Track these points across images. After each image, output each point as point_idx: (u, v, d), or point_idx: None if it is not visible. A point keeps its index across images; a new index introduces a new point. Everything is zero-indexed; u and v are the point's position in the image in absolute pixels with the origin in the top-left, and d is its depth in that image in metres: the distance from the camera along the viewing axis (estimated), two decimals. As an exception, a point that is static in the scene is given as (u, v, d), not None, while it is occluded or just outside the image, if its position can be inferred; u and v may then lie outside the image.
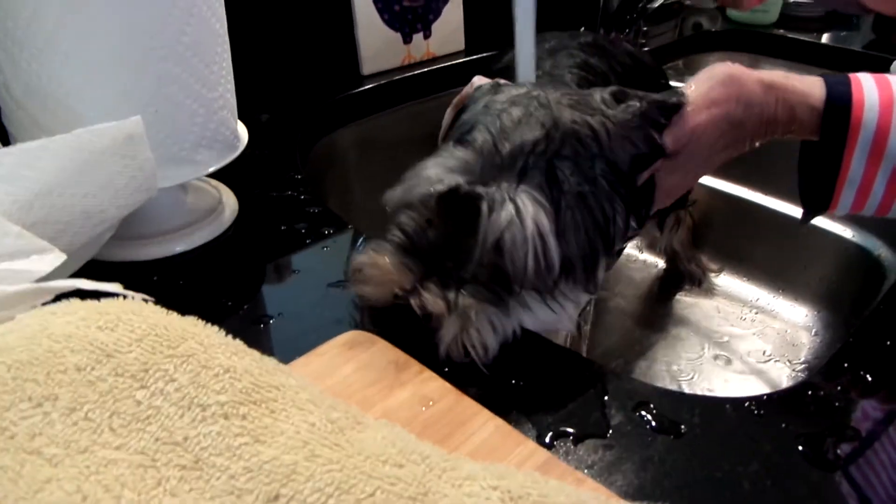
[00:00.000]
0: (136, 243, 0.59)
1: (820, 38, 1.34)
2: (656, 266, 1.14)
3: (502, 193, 0.45)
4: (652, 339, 1.06)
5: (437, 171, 0.46)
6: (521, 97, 0.50)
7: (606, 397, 0.47)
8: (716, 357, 0.99)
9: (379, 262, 0.47)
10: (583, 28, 1.28)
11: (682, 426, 0.45)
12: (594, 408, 0.46)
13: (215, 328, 0.33)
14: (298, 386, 0.31)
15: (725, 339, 1.02)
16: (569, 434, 0.44)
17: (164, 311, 0.34)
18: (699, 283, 1.13)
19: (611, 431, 0.44)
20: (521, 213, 0.44)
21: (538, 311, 0.48)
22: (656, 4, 1.23)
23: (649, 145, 0.52)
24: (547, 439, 0.43)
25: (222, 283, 0.58)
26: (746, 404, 0.47)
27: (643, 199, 0.55)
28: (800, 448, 0.43)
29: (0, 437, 0.26)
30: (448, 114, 0.58)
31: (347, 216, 0.68)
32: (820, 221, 1.07)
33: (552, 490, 0.28)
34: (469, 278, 0.46)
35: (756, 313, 1.07)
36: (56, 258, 0.39)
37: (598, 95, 0.52)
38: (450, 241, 0.47)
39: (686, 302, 1.11)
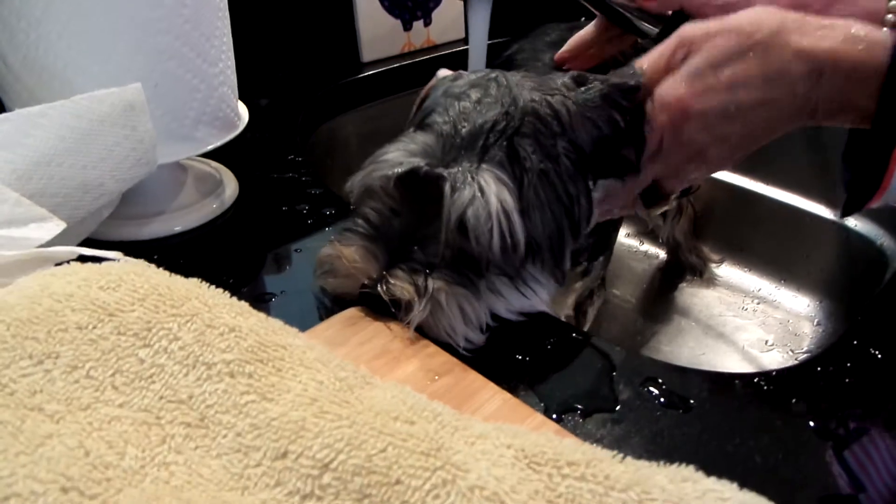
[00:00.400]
0: (136, 222, 0.58)
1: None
2: (657, 257, 1.14)
3: (464, 173, 0.44)
4: (654, 329, 1.05)
5: (397, 155, 0.46)
6: (481, 80, 0.50)
7: (614, 373, 0.47)
8: (718, 347, 0.98)
9: (344, 253, 0.47)
10: (584, 18, 1.28)
11: (691, 401, 0.44)
12: (601, 383, 0.46)
13: (219, 290, 0.32)
14: (305, 346, 0.30)
15: (727, 329, 1.01)
16: (576, 408, 0.43)
17: (166, 273, 0.33)
18: (700, 274, 1.12)
19: (619, 406, 0.44)
20: (483, 190, 0.44)
21: (509, 297, 0.47)
22: None
23: (612, 128, 0.50)
24: (555, 414, 0.43)
25: (223, 262, 0.57)
26: (756, 380, 0.47)
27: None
28: (811, 423, 0.43)
29: (0, 394, 0.25)
30: (414, 107, 0.57)
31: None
32: (821, 210, 1.06)
33: (567, 448, 0.27)
34: (437, 263, 0.45)
35: (758, 303, 1.06)
36: (56, 226, 0.38)
37: (560, 80, 0.51)
38: (415, 226, 0.46)
39: (688, 292, 1.10)
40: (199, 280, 0.33)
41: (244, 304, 0.31)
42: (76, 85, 0.49)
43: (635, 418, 0.43)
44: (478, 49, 0.59)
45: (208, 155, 0.58)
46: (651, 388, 0.45)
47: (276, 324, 0.31)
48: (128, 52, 0.49)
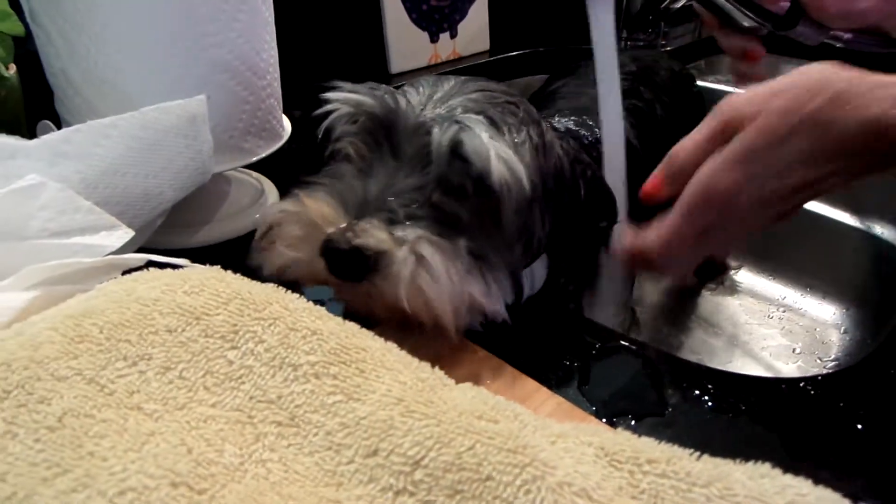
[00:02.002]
0: (183, 231, 0.59)
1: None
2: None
3: (444, 117, 0.41)
4: (679, 338, 1.05)
5: (361, 97, 0.42)
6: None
7: (662, 378, 0.47)
8: (745, 355, 0.98)
9: (305, 202, 0.39)
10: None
11: (741, 406, 0.45)
12: (649, 387, 0.46)
13: (295, 294, 0.33)
14: (384, 348, 0.31)
15: (753, 337, 1.01)
16: (627, 412, 0.44)
17: (243, 278, 0.34)
18: (722, 282, 1.13)
19: (669, 410, 0.44)
20: (471, 126, 0.40)
21: (477, 281, 0.41)
22: (679, 5, 1.23)
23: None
24: (604, 418, 0.43)
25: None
26: (802, 384, 0.47)
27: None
28: (859, 427, 0.43)
29: (100, 394, 0.26)
30: None
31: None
32: (846, 217, 1.06)
33: (645, 446, 0.28)
34: (415, 215, 0.39)
35: (783, 311, 1.06)
36: (125, 234, 0.39)
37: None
38: (389, 175, 0.40)
39: (711, 301, 1.10)
40: (275, 285, 0.34)
41: (322, 309, 0.32)
42: (134, 98, 0.50)
43: (686, 422, 0.43)
44: (607, 53, 0.56)
45: (249, 165, 0.59)
46: (699, 393, 0.46)
47: (353, 327, 0.32)
48: (183, 65, 0.51)
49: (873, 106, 0.39)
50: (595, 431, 0.28)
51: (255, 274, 0.55)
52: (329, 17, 0.99)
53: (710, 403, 0.45)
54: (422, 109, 0.42)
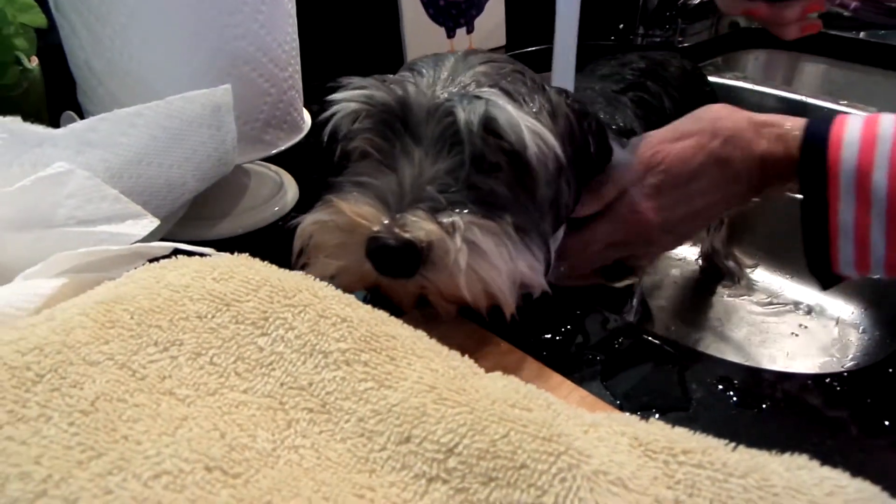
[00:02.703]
0: (203, 223, 0.59)
1: (859, 35, 1.33)
2: (693, 262, 1.13)
3: (466, 96, 0.39)
4: (696, 336, 1.05)
5: (373, 91, 0.41)
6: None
7: (686, 372, 0.47)
8: (761, 354, 0.98)
9: (341, 206, 0.37)
10: (622, 25, 1.29)
11: (766, 401, 0.44)
12: (673, 382, 0.46)
13: (324, 283, 0.33)
14: (414, 336, 0.31)
15: (770, 335, 1.01)
16: (651, 407, 0.44)
17: (272, 266, 0.34)
18: (738, 280, 1.12)
19: (693, 405, 0.44)
20: (496, 102, 0.39)
21: (524, 253, 0.40)
22: (697, 1, 1.23)
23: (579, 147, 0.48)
24: (628, 412, 0.43)
25: (287, 264, 0.58)
26: (827, 380, 0.47)
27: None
28: (885, 423, 0.43)
29: (132, 379, 0.26)
30: None
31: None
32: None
33: (679, 436, 0.27)
34: (457, 200, 0.37)
35: (800, 310, 1.05)
36: (150, 223, 0.39)
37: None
38: (418, 166, 0.39)
39: (727, 299, 1.10)
40: (304, 273, 0.34)
41: (351, 297, 0.32)
42: (157, 89, 0.50)
43: (711, 417, 0.43)
44: (564, 65, 0.58)
45: (268, 158, 0.59)
46: (724, 388, 0.45)
47: (382, 315, 0.32)
48: (206, 56, 0.51)
49: (761, 144, 0.50)
50: (628, 421, 0.28)
51: (277, 264, 0.56)
52: (346, 12, 0.99)
53: (734, 398, 0.45)
54: (433, 91, 0.41)
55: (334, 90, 0.43)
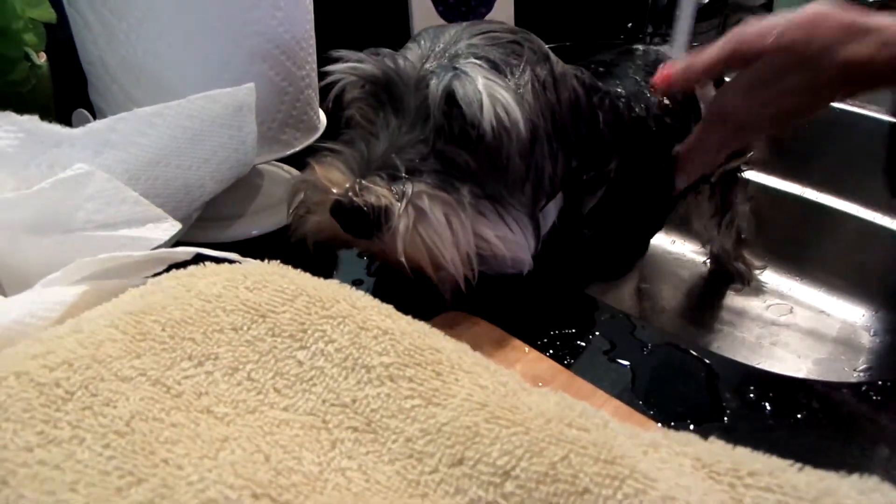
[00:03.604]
0: (216, 224, 0.58)
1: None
2: (702, 263, 1.12)
3: (443, 67, 0.41)
4: (706, 339, 1.04)
5: (364, 64, 0.43)
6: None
7: (717, 381, 0.46)
8: (773, 356, 0.97)
9: (315, 169, 0.41)
10: (630, 24, 1.27)
11: (801, 411, 0.43)
12: (706, 391, 0.45)
13: (360, 292, 0.31)
14: (458, 349, 0.29)
15: (781, 338, 1.00)
16: (685, 417, 0.43)
17: (305, 273, 0.32)
18: (748, 282, 1.11)
19: (728, 415, 0.43)
20: (467, 72, 0.40)
21: (493, 224, 0.42)
22: (706, 0, 1.21)
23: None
24: (660, 423, 0.42)
25: (304, 266, 0.56)
26: (864, 388, 0.46)
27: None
28: (929, 434, 0.42)
29: (167, 396, 0.25)
30: None
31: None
32: (876, 217, 1.05)
33: (743, 456, 0.26)
34: (419, 166, 0.40)
35: (811, 313, 1.05)
36: (172, 227, 0.38)
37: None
38: (393, 134, 0.42)
39: (737, 301, 1.09)
40: (339, 282, 0.32)
41: (390, 307, 0.31)
42: (172, 86, 0.49)
43: (748, 428, 0.42)
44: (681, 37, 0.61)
45: (281, 158, 0.57)
46: (758, 397, 0.44)
47: (423, 326, 0.30)
48: (224, 53, 0.49)
49: (863, 49, 0.47)
50: (687, 440, 0.27)
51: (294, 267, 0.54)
52: (356, 8, 0.98)
53: (769, 408, 0.44)
54: (423, 63, 0.42)
55: (331, 62, 0.46)
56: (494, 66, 0.42)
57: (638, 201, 0.62)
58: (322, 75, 0.46)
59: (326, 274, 0.54)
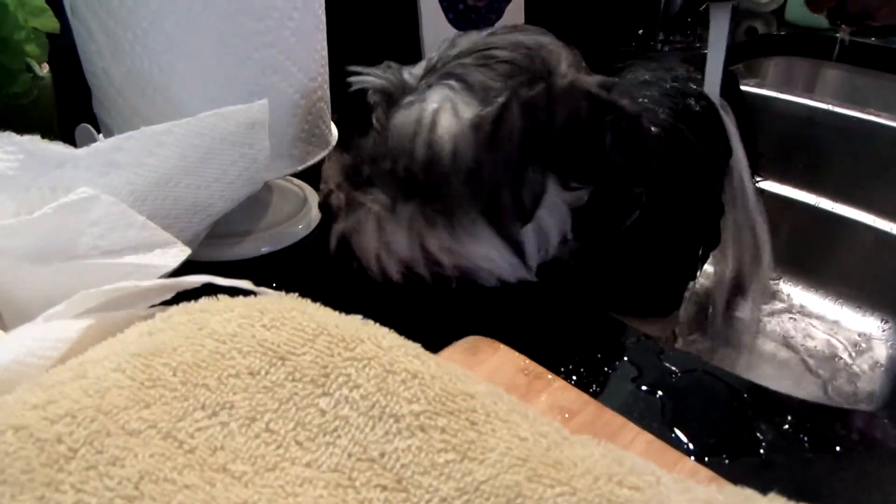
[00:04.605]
0: (224, 242, 0.55)
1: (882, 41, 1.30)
2: (712, 275, 1.10)
3: (421, 89, 0.45)
4: (719, 352, 1.02)
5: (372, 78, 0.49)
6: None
7: (750, 410, 0.44)
8: (793, 370, 0.95)
9: (328, 162, 0.50)
10: (641, 31, 1.25)
11: (840, 443, 0.41)
12: (740, 421, 0.43)
13: (385, 329, 0.29)
14: (493, 394, 0.27)
15: (800, 351, 0.98)
16: (721, 451, 0.41)
17: (324, 308, 0.30)
18: (763, 292, 1.09)
19: (764, 447, 0.41)
20: (425, 99, 0.44)
21: (439, 236, 0.46)
22: (718, 7, 1.19)
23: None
24: (693, 456, 0.40)
25: (316, 286, 0.54)
26: (902, 417, 0.44)
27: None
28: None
29: (178, 451, 0.23)
30: None
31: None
32: (891, 227, 1.03)
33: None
34: (378, 178, 0.46)
35: (827, 324, 1.03)
36: (181, 252, 0.36)
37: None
38: (378, 143, 0.47)
39: (751, 312, 1.06)
40: (361, 317, 0.30)
41: (417, 346, 0.28)
42: (179, 100, 0.46)
43: (785, 462, 0.40)
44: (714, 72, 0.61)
45: (293, 173, 0.55)
46: (794, 428, 0.42)
47: (453, 367, 0.28)
48: (233, 65, 0.47)
49: None
50: (745, 497, 0.25)
51: (305, 288, 0.52)
52: (364, 15, 0.96)
53: (807, 440, 0.42)
54: (418, 82, 0.46)
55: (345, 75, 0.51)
56: (468, 89, 0.44)
57: (678, 226, 0.61)
58: (342, 86, 0.50)
59: (336, 290, 0.53)
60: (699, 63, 0.81)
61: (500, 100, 0.43)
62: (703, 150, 0.63)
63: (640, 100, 0.63)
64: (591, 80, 0.46)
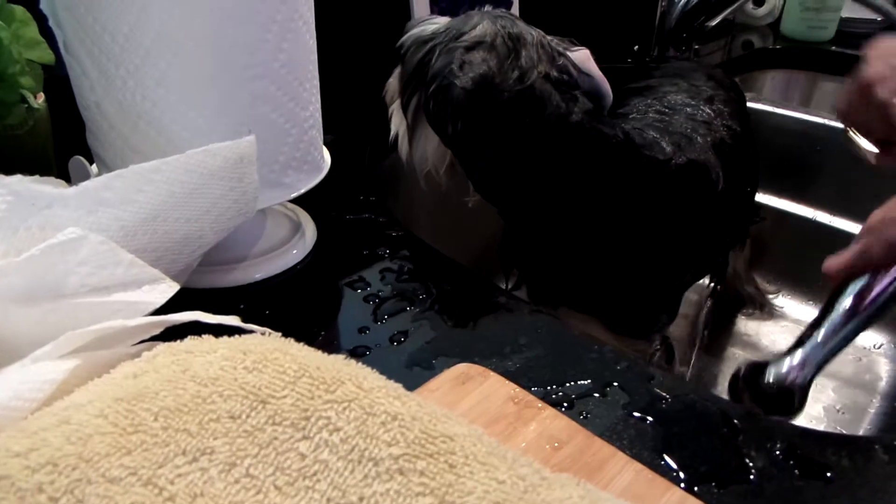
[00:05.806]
0: (217, 269, 0.56)
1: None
2: (709, 287, 1.10)
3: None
4: (718, 367, 1.02)
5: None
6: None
7: (740, 437, 0.44)
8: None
9: None
10: (637, 47, 1.26)
11: (831, 470, 0.41)
12: (728, 447, 0.43)
13: (367, 368, 0.30)
14: (472, 435, 0.27)
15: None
16: (710, 479, 0.41)
17: (308, 348, 0.30)
18: (761, 307, 1.09)
19: (754, 474, 0.41)
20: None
21: None
22: (714, 23, 1.20)
23: None
24: (683, 484, 0.40)
25: (309, 312, 0.55)
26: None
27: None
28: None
29: (158, 498, 0.23)
30: None
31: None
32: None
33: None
34: None
35: (826, 339, 1.02)
36: (168, 288, 0.36)
37: None
38: None
39: (750, 327, 1.07)
40: (344, 356, 0.30)
41: (398, 385, 0.29)
42: (171, 132, 0.47)
43: (776, 490, 0.40)
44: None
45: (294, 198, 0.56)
46: (784, 455, 0.42)
47: (433, 408, 0.28)
48: (224, 97, 0.48)
49: None
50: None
51: (298, 316, 0.53)
52: (357, 21, 0.96)
53: (797, 468, 0.42)
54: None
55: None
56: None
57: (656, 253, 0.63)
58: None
59: (330, 317, 0.53)
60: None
61: None
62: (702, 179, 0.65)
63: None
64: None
